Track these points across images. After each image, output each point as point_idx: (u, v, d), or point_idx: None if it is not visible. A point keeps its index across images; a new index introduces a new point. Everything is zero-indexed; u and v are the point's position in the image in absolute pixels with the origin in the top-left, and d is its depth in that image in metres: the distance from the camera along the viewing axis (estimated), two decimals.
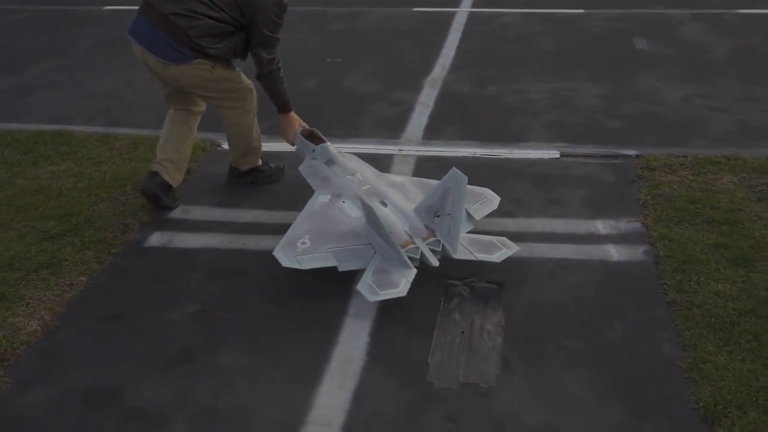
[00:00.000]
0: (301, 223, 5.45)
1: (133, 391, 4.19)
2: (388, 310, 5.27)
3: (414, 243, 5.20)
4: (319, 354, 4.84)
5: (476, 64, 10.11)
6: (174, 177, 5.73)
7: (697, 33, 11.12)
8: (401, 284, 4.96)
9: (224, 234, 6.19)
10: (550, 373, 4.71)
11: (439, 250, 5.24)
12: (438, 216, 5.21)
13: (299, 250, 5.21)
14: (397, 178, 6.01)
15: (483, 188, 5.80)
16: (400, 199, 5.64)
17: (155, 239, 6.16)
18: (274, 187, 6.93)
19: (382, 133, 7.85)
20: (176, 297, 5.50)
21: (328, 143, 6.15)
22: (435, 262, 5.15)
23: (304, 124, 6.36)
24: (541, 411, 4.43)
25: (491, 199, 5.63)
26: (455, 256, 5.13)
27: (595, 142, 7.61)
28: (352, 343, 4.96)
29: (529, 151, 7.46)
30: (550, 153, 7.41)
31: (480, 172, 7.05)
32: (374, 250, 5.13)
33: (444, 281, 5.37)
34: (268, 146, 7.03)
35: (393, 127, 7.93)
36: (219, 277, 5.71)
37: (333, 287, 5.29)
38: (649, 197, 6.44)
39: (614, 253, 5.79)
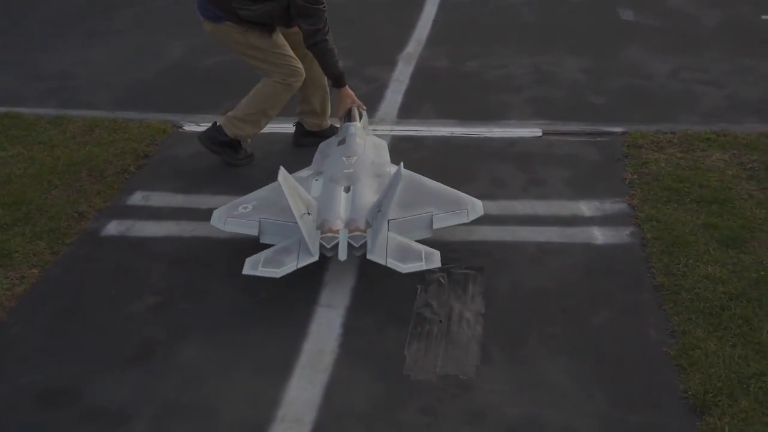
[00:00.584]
0: (262, 191, 5.82)
1: (91, 388, 4.18)
2: (361, 299, 5.29)
3: (335, 232, 5.29)
4: (288, 346, 4.84)
5: (453, 38, 10.12)
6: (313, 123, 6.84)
7: (685, 3, 11.18)
8: (285, 267, 5.11)
9: (187, 221, 6.18)
10: (531, 362, 4.74)
11: (357, 245, 5.28)
12: (379, 211, 5.35)
13: (236, 213, 5.61)
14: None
15: (472, 198, 5.74)
16: (373, 190, 5.71)
17: (113, 228, 6.14)
18: (240, 171, 6.93)
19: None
20: (136, 289, 5.48)
21: (357, 123, 6.41)
22: (341, 255, 5.21)
23: (358, 102, 6.59)
24: (522, 402, 4.47)
25: (470, 211, 5.60)
26: (368, 257, 5.17)
27: (579, 119, 7.66)
28: (324, 334, 4.97)
29: (510, 129, 7.49)
30: (532, 131, 7.44)
31: (458, 152, 7.13)
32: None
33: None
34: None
35: (366, 106, 7.90)
36: (182, 267, 5.70)
37: (303, 277, 5.30)
38: (635, 176, 6.49)
39: (599, 235, 5.84)
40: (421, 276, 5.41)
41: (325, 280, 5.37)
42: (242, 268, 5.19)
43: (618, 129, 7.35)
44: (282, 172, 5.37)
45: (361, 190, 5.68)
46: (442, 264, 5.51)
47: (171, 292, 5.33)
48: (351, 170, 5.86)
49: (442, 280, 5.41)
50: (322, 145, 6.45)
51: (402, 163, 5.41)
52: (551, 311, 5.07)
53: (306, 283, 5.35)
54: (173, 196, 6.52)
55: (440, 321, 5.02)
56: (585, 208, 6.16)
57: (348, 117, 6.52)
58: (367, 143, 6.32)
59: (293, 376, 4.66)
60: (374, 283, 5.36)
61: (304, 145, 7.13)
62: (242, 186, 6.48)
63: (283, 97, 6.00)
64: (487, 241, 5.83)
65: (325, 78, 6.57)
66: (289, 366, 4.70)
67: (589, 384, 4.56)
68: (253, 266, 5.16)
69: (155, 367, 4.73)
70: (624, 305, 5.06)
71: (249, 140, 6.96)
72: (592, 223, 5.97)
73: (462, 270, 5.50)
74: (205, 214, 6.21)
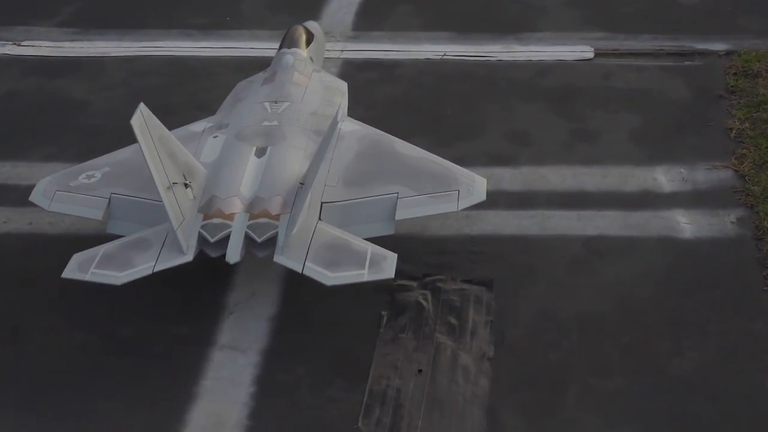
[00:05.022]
0: (122, 152, 5.94)
1: None
2: (285, 334, 5.25)
3: (227, 217, 5.28)
4: (162, 419, 4.76)
5: None
6: None
7: None
8: (135, 269, 5.13)
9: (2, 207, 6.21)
10: None
11: (260, 240, 5.21)
12: (301, 184, 5.33)
13: (74, 184, 5.68)
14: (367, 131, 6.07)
15: (470, 174, 5.65)
16: (305, 155, 5.64)
17: None
18: (96, 119, 7.08)
19: (276, 23, 7.69)
20: None
21: (299, 51, 6.50)
22: (232, 257, 5.12)
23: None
24: None
25: (463, 194, 5.50)
26: (275, 258, 5.14)
27: (654, 30, 7.60)
28: (223, 396, 4.91)
29: (540, 48, 7.46)
30: (577, 50, 7.42)
31: (453, 87, 7.05)
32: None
33: (388, 280, 5.24)
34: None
35: (300, 10, 7.80)
36: None
37: (187, 291, 5.34)
38: (746, 125, 6.47)
39: (686, 223, 5.81)
40: (387, 295, 5.38)
41: (227, 300, 5.37)
42: (94, 287, 5.16)
43: (720, 46, 7.31)
44: (141, 111, 5.21)
45: (284, 154, 5.57)
46: (426, 275, 5.47)
47: None
48: (274, 123, 5.87)
49: (424, 302, 5.34)
50: (241, 83, 6.55)
51: (340, 109, 5.28)
52: (605, 351, 5.04)
53: (191, 306, 5.34)
54: None
55: (420, 371, 4.94)
56: (663, 178, 6.13)
57: (288, 39, 6.58)
58: (312, 83, 6.32)
59: None
60: (308, 307, 5.35)
61: None
62: (99, 146, 6.34)
63: None
64: (500, 235, 5.80)
65: None
66: None
67: None
68: (82, 266, 5.13)
69: None
70: (723, 338, 5.04)
71: None
72: (676, 203, 5.95)
73: (458, 285, 5.43)
74: (29, 194, 6.09)
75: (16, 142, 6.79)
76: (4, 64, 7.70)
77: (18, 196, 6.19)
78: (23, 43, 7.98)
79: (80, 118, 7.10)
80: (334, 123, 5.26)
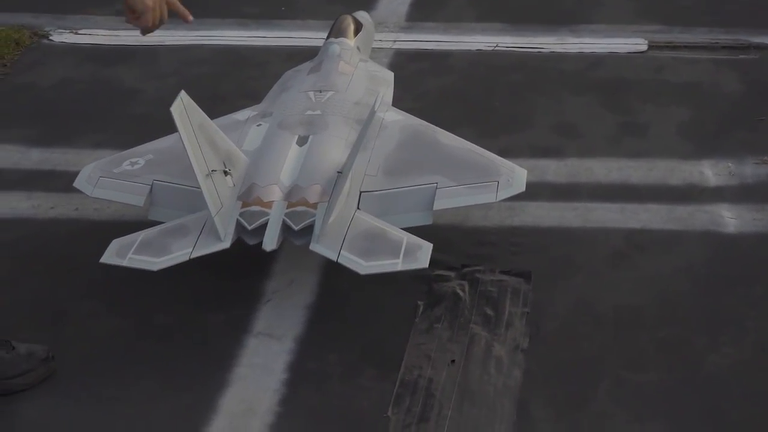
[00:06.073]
0: (166, 139, 5.98)
1: None
2: (322, 323, 5.27)
3: (266, 205, 5.30)
4: (194, 405, 4.82)
5: None
6: None
7: None
8: (172, 255, 5.16)
9: (44, 193, 6.28)
10: (602, 430, 4.67)
11: (297, 228, 5.21)
12: (339, 173, 5.31)
13: (117, 171, 5.73)
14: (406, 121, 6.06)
15: (511, 165, 5.66)
16: (347, 145, 5.63)
17: None
18: (146, 108, 7.12)
19: (330, 13, 7.71)
20: None
21: (347, 40, 6.51)
22: (269, 245, 5.16)
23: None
24: None
25: (503, 185, 5.48)
26: (311, 247, 5.16)
27: (711, 24, 7.58)
28: (256, 384, 4.94)
29: (593, 40, 7.46)
30: (631, 42, 7.41)
31: (503, 79, 7.02)
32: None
33: (426, 270, 5.27)
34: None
35: (354, 0, 7.83)
36: (28, 270, 5.72)
37: (222, 278, 5.42)
38: None
39: (731, 218, 5.78)
40: (424, 285, 5.40)
41: (265, 287, 5.40)
42: (127, 273, 5.22)
43: None
44: (181, 99, 5.26)
45: (326, 142, 5.63)
46: (464, 265, 5.48)
47: (5, 313, 5.31)
48: (317, 112, 5.89)
49: (461, 292, 5.33)
50: (288, 72, 6.58)
51: (379, 98, 5.29)
52: (640, 345, 5.00)
53: (229, 293, 5.37)
54: (25, 152, 6.57)
55: (452, 361, 4.95)
56: (710, 172, 6.08)
57: (336, 28, 6.60)
58: (358, 73, 6.34)
59: None
60: (345, 295, 5.37)
61: None
62: (148, 133, 6.40)
63: None
64: (541, 227, 5.79)
65: None
66: None
67: None
68: (121, 252, 5.20)
69: None
70: (763, 337, 5.02)
71: None
72: (721, 197, 5.90)
73: (495, 276, 5.42)
74: (70, 180, 6.16)
75: (67, 129, 6.86)
76: (60, 51, 7.78)
77: (66, 182, 6.19)
78: (80, 32, 8.06)
79: (131, 106, 7.17)
80: (372, 112, 5.26)
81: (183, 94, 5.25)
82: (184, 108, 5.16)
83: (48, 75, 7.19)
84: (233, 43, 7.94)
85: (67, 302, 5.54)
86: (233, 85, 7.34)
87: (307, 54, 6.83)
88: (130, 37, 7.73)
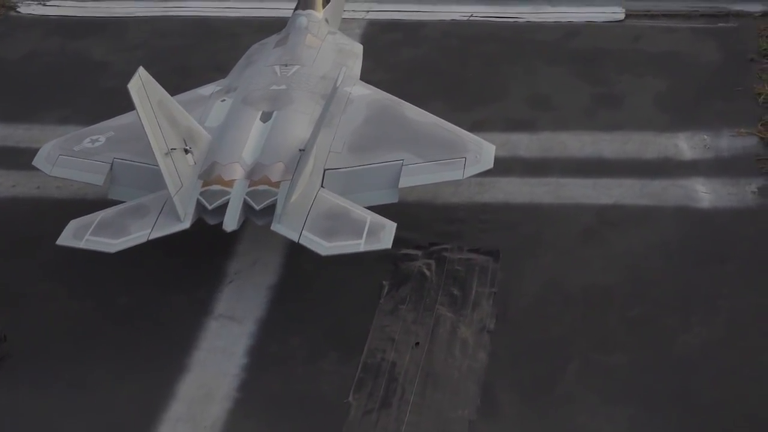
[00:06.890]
0: (129, 116, 5.88)
1: None
2: (284, 305, 5.24)
3: (227, 184, 5.22)
4: (153, 389, 4.81)
5: None
6: None
7: None
8: (130, 237, 5.12)
9: (5, 171, 6.36)
10: (566, 414, 4.60)
11: (258, 207, 5.16)
12: (301, 151, 5.26)
13: (77, 148, 5.73)
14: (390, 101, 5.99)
15: (479, 140, 5.59)
16: (311, 120, 5.56)
17: None
18: (109, 80, 7.08)
19: None
20: None
21: (315, 12, 6.50)
22: (229, 225, 5.12)
23: None
24: None
25: (470, 162, 5.43)
26: (273, 227, 5.13)
27: None
28: (214, 367, 4.91)
29: (570, 9, 7.36)
30: (608, 11, 7.33)
31: (478, 49, 6.99)
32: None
33: (392, 249, 5.18)
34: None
35: None
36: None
37: (183, 260, 5.40)
38: None
39: (705, 192, 5.73)
40: (390, 264, 5.35)
41: (227, 268, 5.41)
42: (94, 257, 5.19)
43: (756, 7, 7.19)
44: (139, 75, 5.18)
45: (290, 118, 5.56)
46: (431, 244, 5.46)
47: None
48: (282, 87, 5.81)
49: (427, 272, 5.28)
50: (254, 46, 6.53)
51: (344, 70, 5.20)
52: (610, 325, 4.98)
53: (192, 274, 5.37)
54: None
55: (416, 344, 4.88)
56: (686, 145, 6.03)
57: (304, 0, 6.56)
58: (326, 46, 6.25)
59: None
60: (310, 275, 5.33)
61: None
62: (115, 108, 6.35)
63: None
64: (511, 204, 5.76)
65: None
66: (151, 422, 4.63)
67: None
68: (78, 233, 5.14)
69: None
70: (736, 316, 4.95)
71: None
72: (696, 171, 5.86)
73: (463, 254, 5.37)
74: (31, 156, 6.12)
75: (33, 104, 6.87)
76: (27, 23, 7.70)
77: (28, 159, 6.23)
78: (48, 3, 7.97)
79: (99, 79, 7.17)
80: (335, 88, 5.19)
81: (141, 70, 5.21)
82: (142, 84, 5.09)
83: (14, 48, 7.19)
84: (204, 14, 7.87)
85: (25, 283, 5.51)
86: (203, 57, 7.31)
87: (280, 25, 6.78)
88: (99, 8, 7.67)
